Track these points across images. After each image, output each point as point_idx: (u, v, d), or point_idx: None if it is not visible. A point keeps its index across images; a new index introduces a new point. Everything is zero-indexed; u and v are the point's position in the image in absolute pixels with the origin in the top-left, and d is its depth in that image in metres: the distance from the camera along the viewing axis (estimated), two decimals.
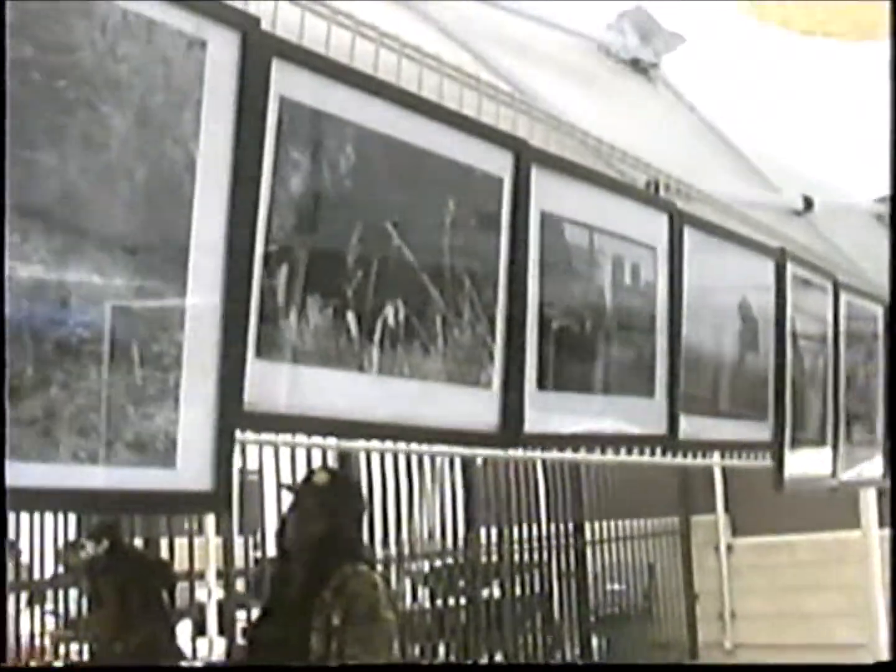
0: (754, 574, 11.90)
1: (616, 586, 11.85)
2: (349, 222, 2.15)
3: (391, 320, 2.23)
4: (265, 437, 2.02)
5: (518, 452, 2.63)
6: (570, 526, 11.28)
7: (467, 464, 10.32)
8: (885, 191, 4.77)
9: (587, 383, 2.79)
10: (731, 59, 3.43)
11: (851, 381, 4.34)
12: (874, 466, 4.64)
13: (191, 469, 1.87)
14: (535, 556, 11.01)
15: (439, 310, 2.34)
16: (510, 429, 2.51)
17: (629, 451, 3.09)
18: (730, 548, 12.27)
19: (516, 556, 10.86)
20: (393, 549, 9.71)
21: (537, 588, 11.06)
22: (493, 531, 10.68)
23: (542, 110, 2.71)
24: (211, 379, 1.90)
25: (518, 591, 10.90)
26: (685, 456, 3.30)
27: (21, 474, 1.64)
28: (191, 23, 1.86)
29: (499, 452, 2.63)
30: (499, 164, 2.49)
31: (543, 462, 10.23)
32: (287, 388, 2.05)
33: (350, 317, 2.15)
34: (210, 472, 1.90)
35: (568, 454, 2.93)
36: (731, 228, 3.54)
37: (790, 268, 3.77)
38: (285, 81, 2.02)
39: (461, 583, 10.58)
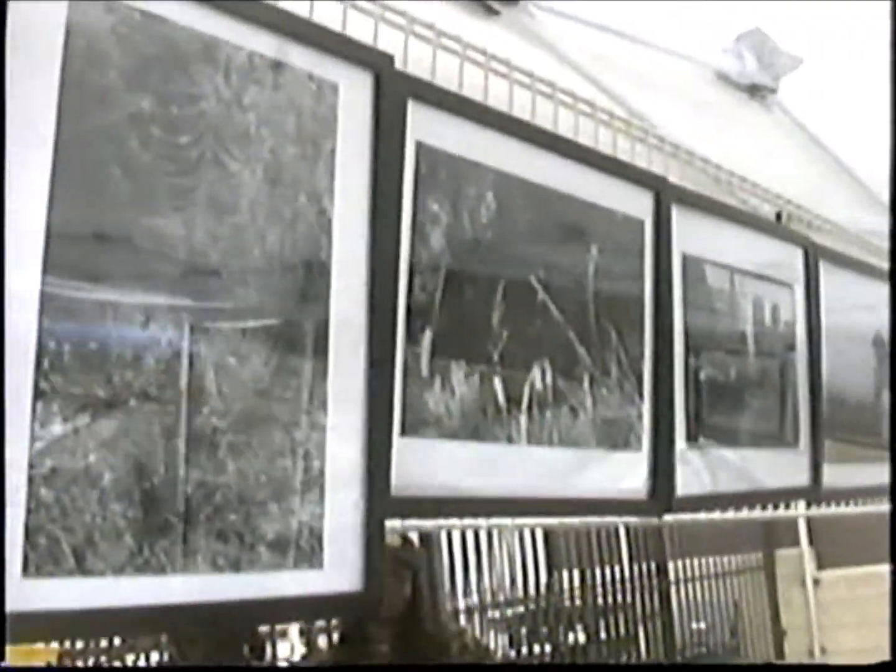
0: (843, 608, 11.48)
1: (702, 625, 11.49)
2: (492, 278, 1.91)
3: (539, 383, 1.99)
4: (411, 522, 1.79)
5: (668, 518, 2.34)
6: (654, 566, 10.96)
7: None
8: None
9: (734, 437, 2.53)
10: (846, 80, 3.19)
11: None
12: None
13: (339, 568, 1.63)
14: (619, 598, 10.69)
15: (587, 368, 2.09)
16: (661, 494, 2.25)
17: (776, 507, 2.81)
18: (816, 581, 11.85)
19: (600, 599, 10.56)
20: (475, 598, 9.44)
21: (622, 631, 10.74)
22: (576, 574, 10.39)
23: (675, 144, 2.46)
24: (356, 463, 1.66)
25: (603, 634, 10.59)
26: (828, 506, 3.01)
27: (159, 590, 1.40)
28: (320, 64, 1.63)
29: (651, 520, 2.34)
30: (640, 205, 2.25)
31: None
32: (435, 467, 1.81)
33: (497, 382, 1.91)
34: (360, 569, 1.65)
35: (716, 514, 2.65)
36: (861, 259, 3.27)
37: None
38: (421, 125, 1.78)
39: (544, 629, 10.29)
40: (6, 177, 1.26)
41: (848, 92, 3.21)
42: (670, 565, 11.23)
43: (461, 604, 9.23)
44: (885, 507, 3.50)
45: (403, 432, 1.76)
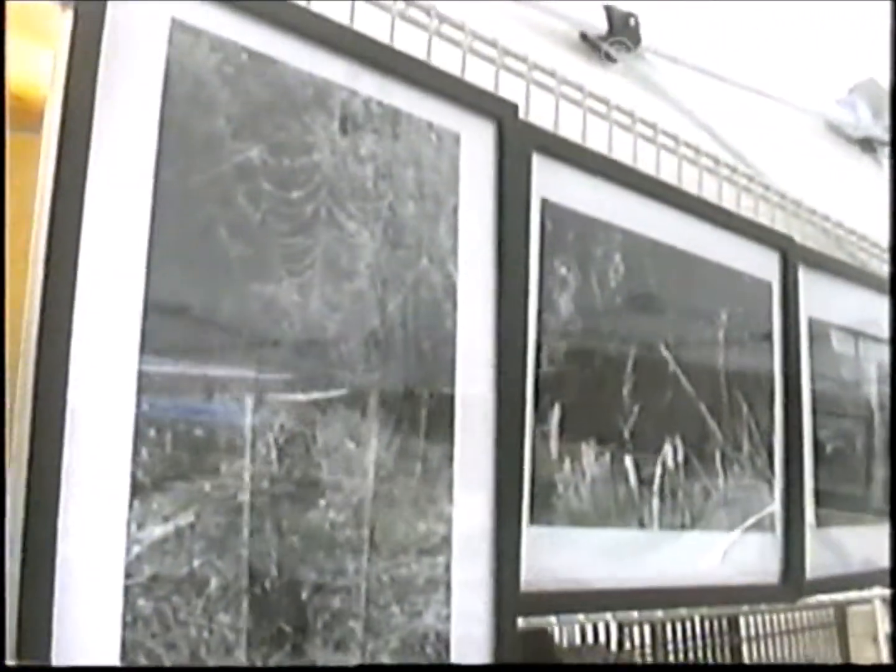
0: None
1: None
2: (623, 347, 1.67)
3: (670, 461, 1.74)
4: (540, 619, 1.55)
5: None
6: (725, 621, 10.60)
7: None
8: None
9: (862, 512, 2.27)
10: None
11: None
12: None
13: None
14: (690, 655, 10.32)
15: (718, 444, 1.84)
16: (793, 578, 2.00)
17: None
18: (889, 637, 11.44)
19: (671, 656, 10.19)
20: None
21: None
22: (647, 629, 10.03)
23: (796, 202, 2.22)
24: (484, 557, 1.42)
25: None
26: None
27: None
28: (440, 111, 1.41)
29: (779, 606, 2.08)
30: (767, 266, 2.00)
31: None
32: (566, 558, 1.56)
33: (628, 461, 1.66)
34: None
35: (839, 596, 2.38)
36: None
37: None
38: (546, 179, 1.56)
39: None
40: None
41: None
42: (741, 621, 10.89)
43: None
44: None
45: (532, 521, 1.52)
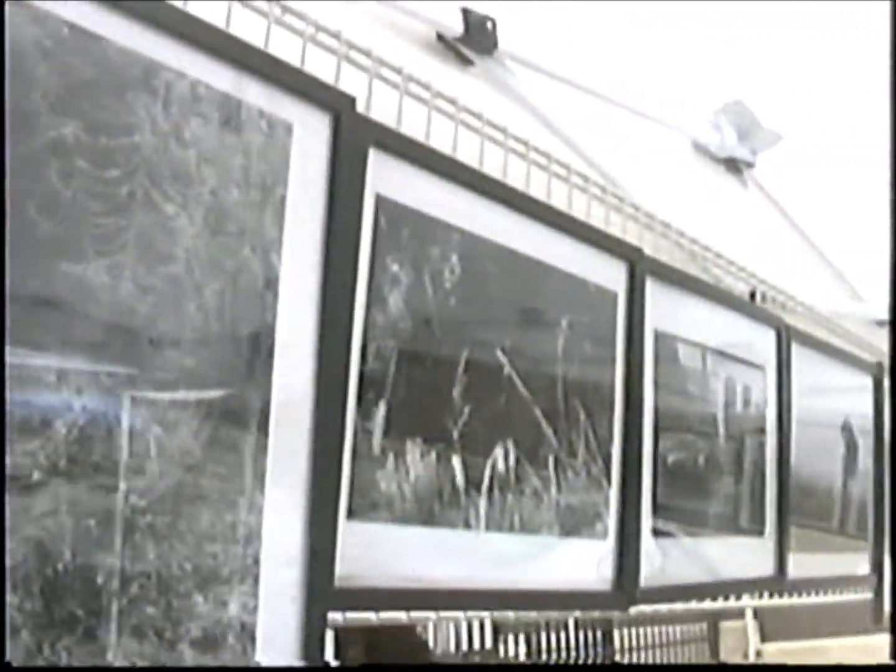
0: None
1: None
2: (454, 348, 1.68)
3: (501, 465, 1.75)
4: (356, 615, 1.55)
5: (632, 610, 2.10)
6: (599, 633, 10.69)
7: None
8: None
9: (703, 524, 2.30)
10: (822, 160, 3.02)
11: None
12: None
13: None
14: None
15: (552, 449, 1.86)
16: (626, 586, 2.02)
17: (738, 597, 2.58)
18: (759, 654, 11.60)
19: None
20: None
21: None
22: (521, 639, 10.09)
23: (650, 215, 2.25)
24: (296, 550, 1.42)
25: None
26: (791, 596, 2.79)
27: None
28: (275, 101, 1.41)
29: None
30: (614, 276, 2.03)
31: None
32: (384, 555, 1.57)
33: (456, 462, 1.67)
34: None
35: (678, 605, 2.41)
36: (830, 342, 3.07)
37: (886, 383, 3.30)
38: (383, 175, 1.56)
39: None
40: None
41: (823, 172, 3.03)
42: (615, 633, 10.99)
43: None
44: (861, 596, 3.29)
45: (350, 516, 1.52)
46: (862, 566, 3.17)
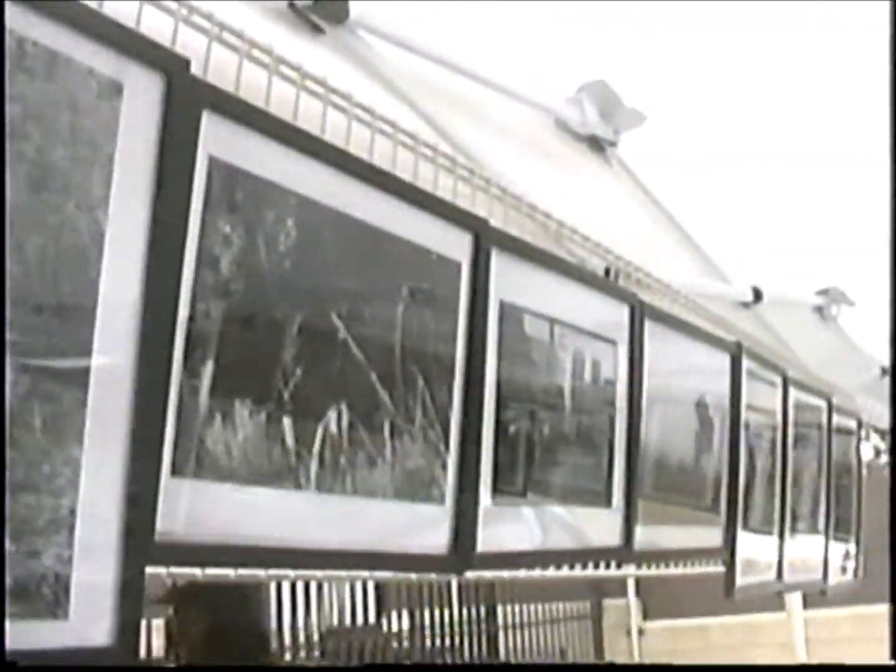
0: (667, 658, 11.50)
1: None
2: (288, 311, 1.73)
3: (333, 427, 1.81)
4: (178, 570, 1.61)
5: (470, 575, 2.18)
6: (483, 610, 10.84)
7: None
8: (825, 284, 4.51)
9: (545, 493, 2.38)
10: (686, 141, 3.11)
11: (798, 480, 3.99)
12: (816, 566, 4.31)
13: (86, 620, 1.43)
14: (447, 642, 10.55)
15: (388, 414, 1.92)
16: (462, 551, 2.09)
17: (584, 566, 2.67)
18: (641, 631, 11.88)
19: (428, 642, 10.40)
20: (301, 636, 9.22)
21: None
22: (405, 615, 10.23)
23: (501, 187, 2.32)
24: (115, 503, 1.46)
25: None
26: (639, 567, 2.89)
27: None
28: (105, 60, 1.44)
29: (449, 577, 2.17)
30: (457, 246, 2.09)
31: None
32: (209, 511, 1.62)
33: (286, 424, 1.73)
34: (111, 622, 1.45)
35: (522, 573, 2.50)
36: (689, 321, 3.17)
37: (745, 362, 3.42)
38: (217, 139, 1.60)
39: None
40: None
41: (687, 152, 3.13)
42: (499, 610, 11.13)
43: (286, 640, 8.98)
44: (713, 569, 3.41)
45: (174, 472, 1.57)
46: (713, 539, 3.29)
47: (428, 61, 2.28)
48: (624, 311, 2.70)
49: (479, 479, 2.13)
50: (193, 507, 1.59)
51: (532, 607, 11.29)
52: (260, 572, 1.79)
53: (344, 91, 1.89)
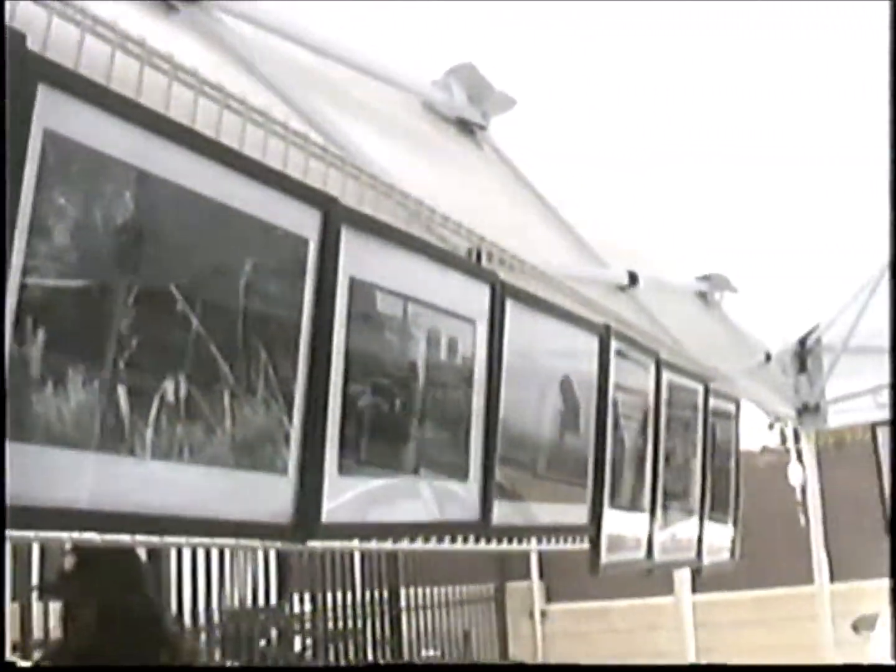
0: (569, 641, 11.72)
1: (431, 653, 11.54)
2: (123, 282, 1.80)
3: (170, 397, 1.89)
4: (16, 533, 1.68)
5: (316, 544, 2.27)
6: (386, 592, 10.95)
7: None
8: (707, 269, 4.64)
9: (396, 467, 2.48)
10: (562, 127, 3.21)
11: (671, 461, 4.13)
12: (689, 545, 4.46)
13: None
14: (350, 623, 10.64)
15: (229, 386, 2.00)
16: (306, 520, 2.18)
17: (440, 539, 2.77)
18: (544, 614, 12.08)
19: (330, 624, 10.48)
20: (202, 618, 9.25)
21: (351, 655, 10.68)
22: (307, 597, 10.29)
23: (356, 166, 2.41)
24: None
25: (332, 658, 10.51)
26: (499, 542, 3.00)
27: None
28: None
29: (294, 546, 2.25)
30: (305, 223, 2.17)
31: None
32: (40, 476, 1.69)
33: (121, 392, 1.80)
34: None
35: (374, 544, 2.59)
36: (556, 302, 3.28)
37: (614, 344, 3.53)
38: (53, 112, 1.67)
39: (273, 650, 10.14)
40: None
41: (564, 137, 3.23)
42: (402, 592, 11.25)
43: (187, 620, 9.00)
44: (575, 546, 3.53)
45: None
46: (579, 517, 3.40)
47: (288, 42, 2.35)
48: (484, 291, 2.80)
49: (324, 450, 2.22)
50: (24, 472, 1.66)
51: (435, 590, 11.42)
52: (95, 537, 1.85)
53: (190, 67, 1.96)
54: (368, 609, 10.81)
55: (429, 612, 11.37)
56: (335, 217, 2.23)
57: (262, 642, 10.03)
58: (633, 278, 3.85)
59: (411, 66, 2.73)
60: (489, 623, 11.91)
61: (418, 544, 2.66)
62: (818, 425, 6.27)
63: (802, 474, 6.07)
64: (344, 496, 2.30)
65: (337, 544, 2.45)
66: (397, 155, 2.77)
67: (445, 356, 2.65)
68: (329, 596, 10.46)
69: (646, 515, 3.92)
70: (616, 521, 3.61)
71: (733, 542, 5.04)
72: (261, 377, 2.07)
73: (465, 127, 2.97)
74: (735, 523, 5.01)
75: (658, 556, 4.03)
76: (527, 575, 11.91)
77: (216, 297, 1.98)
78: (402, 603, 11.15)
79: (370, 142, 2.62)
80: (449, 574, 11.30)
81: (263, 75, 2.27)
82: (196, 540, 2.13)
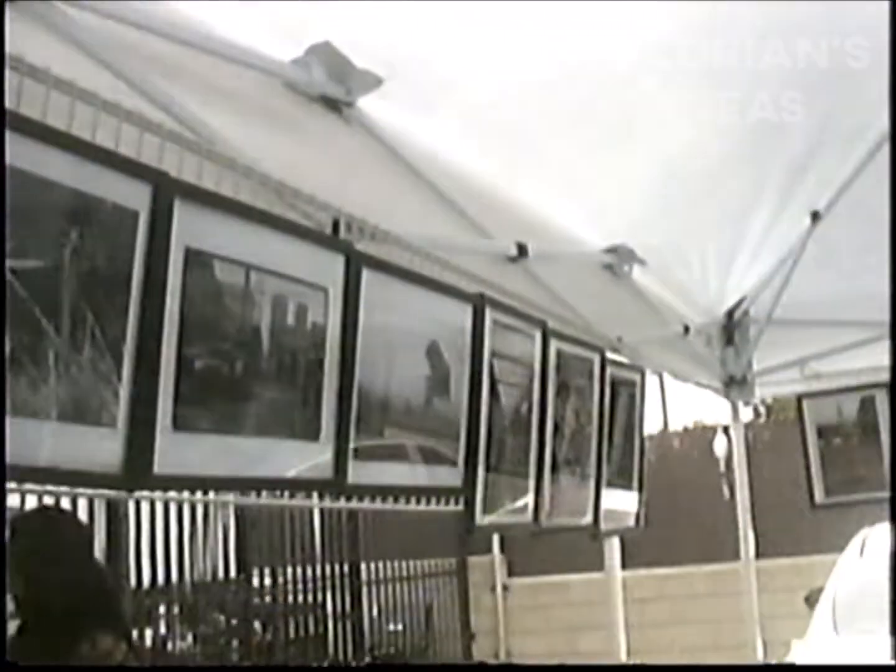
0: (530, 614, 12.01)
1: (393, 626, 11.81)
2: None
3: None
4: None
5: (152, 494, 2.51)
6: (346, 566, 11.20)
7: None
8: (614, 241, 4.85)
9: (236, 425, 2.72)
10: (441, 102, 3.42)
11: (560, 427, 4.37)
12: (585, 511, 4.69)
13: None
14: (310, 598, 10.88)
15: (53, 345, 2.24)
16: (134, 470, 2.42)
17: (293, 495, 3.01)
18: (506, 588, 12.38)
19: (290, 598, 10.72)
20: (162, 593, 9.49)
21: (312, 629, 10.93)
22: (267, 572, 10.53)
23: (196, 141, 2.64)
24: None
25: (292, 632, 10.75)
26: (360, 500, 3.24)
27: None
28: None
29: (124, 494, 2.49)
30: (133, 196, 2.41)
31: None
32: None
33: None
34: None
35: (212, 496, 2.83)
36: (427, 272, 3.52)
37: (490, 314, 3.77)
38: None
39: (233, 623, 10.39)
40: None
41: (443, 111, 3.45)
42: (363, 566, 11.52)
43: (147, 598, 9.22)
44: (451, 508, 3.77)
45: None
46: (452, 479, 3.65)
47: (143, 32, 2.56)
48: (338, 260, 3.04)
49: (154, 407, 2.46)
50: None
51: (397, 563, 11.68)
52: None
53: (15, 54, 2.19)
54: (329, 582, 11.05)
55: (390, 586, 11.63)
56: (166, 190, 2.46)
57: (221, 616, 10.28)
58: (522, 250, 4.07)
59: (270, 47, 2.94)
60: (452, 597, 12.19)
61: (271, 500, 2.90)
62: (745, 397, 6.49)
63: (727, 446, 6.30)
64: (178, 450, 2.54)
65: (174, 495, 2.68)
66: (257, 136, 3.01)
67: (293, 321, 2.89)
68: (289, 570, 10.70)
69: (530, 480, 4.16)
70: (495, 485, 3.85)
71: (638, 509, 5.27)
72: (87, 338, 2.31)
73: (331, 104, 3.18)
74: (640, 490, 5.25)
75: (545, 520, 4.27)
76: (488, 549, 12.19)
77: (40, 265, 2.22)
78: (364, 577, 11.39)
79: (227, 124, 2.85)
80: (410, 548, 11.56)
81: (102, 59, 2.51)
82: (29, 486, 2.36)
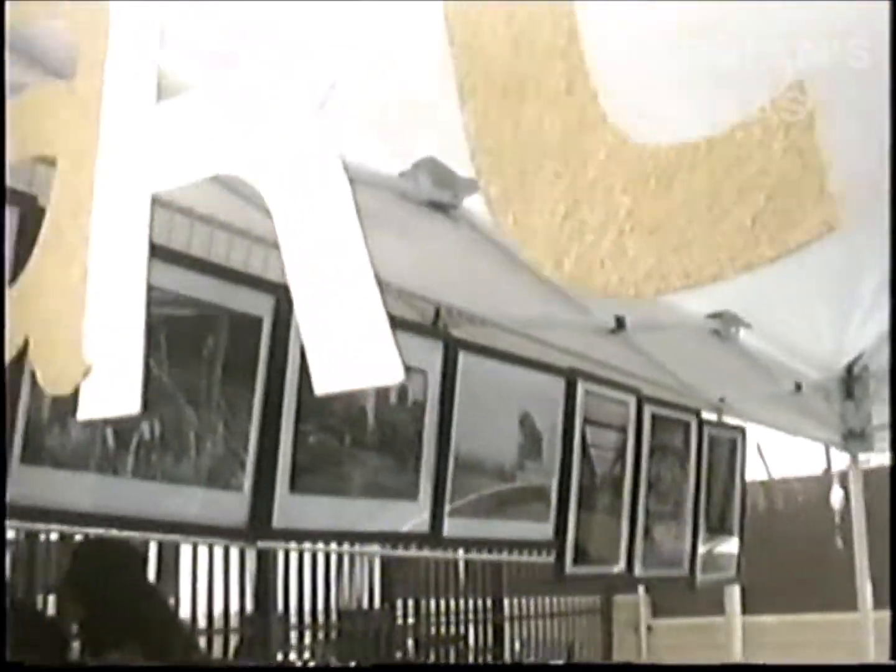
0: (674, 656, 12.45)
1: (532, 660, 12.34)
2: None
3: (147, 434, 2.91)
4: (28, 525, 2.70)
5: (271, 544, 3.29)
6: (489, 601, 11.78)
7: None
8: (718, 307, 5.41)
9: (343, 487, 3.47)
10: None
11: (655, 485, 4.99)
12: (682, 562, 5.30)
13: None
14: (452, 630, 11.47)
15: (193, 426, 3.02)
16: (257, 526, 3.19)
17: (395, 546, 3.75)
18: (650, 628, 12.85)
19: (433, 629, 11.33)
20: (308, 619, 10.12)
21: (452, 661, 11.52)
22: (410, 603, 11.17)
23: None
24: None
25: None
26: (455, 551, 3.95)
27: None
28: None
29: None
30: (259, 306, 3.18)
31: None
32: (54, 490, 2.73)
33: (108, 431, 2.83)
34: None
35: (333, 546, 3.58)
36: (525, 350, 4.20)
37: (583, 385, 4.45)
38: None
39: (375, 654, 11.04)
40: None
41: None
42: (506, 601, 12.11)
43: (292, 623, 9.94)
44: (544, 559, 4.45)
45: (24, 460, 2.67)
46: (544, 532, 4.34)
47: None
48: (437, 346, 3.76)
49: (275, 474, 3.22)
50: (34, 484, 2.70)
51: (539, 600, 12.27)
52: (91, 530, 2.89)
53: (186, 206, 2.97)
54: (471, 616, 11.66)
55: (532, 623, 12.22)
56: (286, 299, 3.21)
57: (364, 645, 10.97)
58: (620, 322, 4.72)
59: (378, 163, 3.65)
60: (594, 636, 12.73)
61: (374, 548, 3.63)
62: (864, 450, 6.94)
63: (842, 499, 6.72)
64: (294, 509, 3.30)
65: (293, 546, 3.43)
66: (383, 245, 3.72)
67: (395, 400, 3.63)
68: (433, 602, 11.36)
69: (622, 533, 4.82)
70: (586, 538, 4.53)
71: (739, 560, 5.86)
72: (220, 421, 3.08)
73: (439, 207, 3.89)
74: (741, 540, 5.84)
75: (638, 571, 4.93)
76: (633, 588, 12.69)
77: (185, 362, 3.00)
78: (506, 612, 11.97)
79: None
80: (553, 585, 12.11)
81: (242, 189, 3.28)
82: (171, 537, 3.14)
